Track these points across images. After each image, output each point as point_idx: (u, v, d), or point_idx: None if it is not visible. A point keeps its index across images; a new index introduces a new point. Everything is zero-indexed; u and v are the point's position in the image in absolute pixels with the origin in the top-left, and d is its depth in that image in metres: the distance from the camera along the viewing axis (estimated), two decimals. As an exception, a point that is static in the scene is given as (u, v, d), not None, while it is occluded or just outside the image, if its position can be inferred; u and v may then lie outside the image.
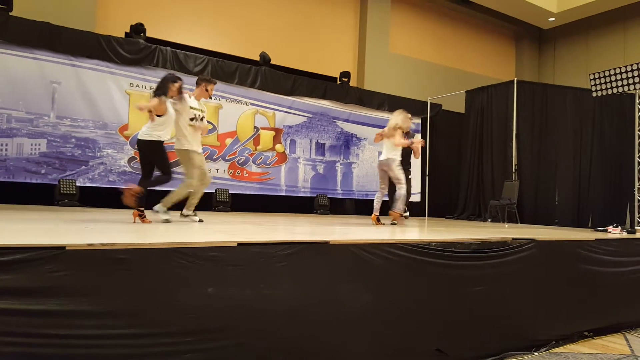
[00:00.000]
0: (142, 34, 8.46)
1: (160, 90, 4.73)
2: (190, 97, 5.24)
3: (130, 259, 2.43)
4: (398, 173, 6.29)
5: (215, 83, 5.60)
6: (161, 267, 2.53)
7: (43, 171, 7.57)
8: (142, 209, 4.67)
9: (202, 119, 5.33)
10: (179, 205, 5.25)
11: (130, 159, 8.28)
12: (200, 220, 5.16)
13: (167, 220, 4.82)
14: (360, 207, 11.03)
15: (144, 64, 8.38)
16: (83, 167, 7.91)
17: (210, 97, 5.66)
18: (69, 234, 3.03)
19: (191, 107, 5.17)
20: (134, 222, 4.56)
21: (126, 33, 8.73)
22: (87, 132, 7.94)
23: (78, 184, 7.71)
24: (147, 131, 4.75)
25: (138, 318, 2.42)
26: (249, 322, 2.75)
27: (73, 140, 7.82)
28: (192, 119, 5.13)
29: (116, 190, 8.04)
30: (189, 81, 8.79)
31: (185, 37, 9.77)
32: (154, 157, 4.82)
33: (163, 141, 4.80)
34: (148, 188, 4.78)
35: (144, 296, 2.46)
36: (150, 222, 4.59)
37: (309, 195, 10.33)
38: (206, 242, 2.74)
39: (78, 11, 8.41)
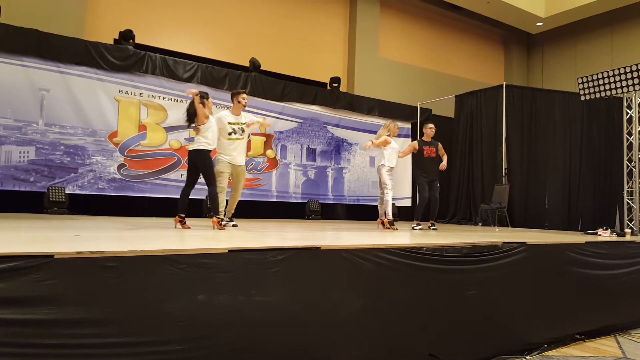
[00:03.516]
0: (131, 41, 8.43)
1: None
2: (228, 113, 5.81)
3: (119, 267, 2.41)
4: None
5: (243, 91, 5.91)
6: (151, 274, 2.51)
7: (32, 179, 7.50)
8: (184, 215, 5.07)
9: (242, 132, 5.80)
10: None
11: (120, 166, 8.22)
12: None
13: (235, 225, 5.64)
14: (352, 212, 11.03)
15: (133, 70, 8.34)
16: (72, 174, 7.84)
17: (245, 106, 5.84)
18: (58, 242, 2.99)
19: (229, 123, 5.66)
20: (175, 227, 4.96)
21: (115, 39, 8.68)
22: (76, 139, 7.88)
23: (67, 192, 7.65)
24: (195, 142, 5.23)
25: (128, 326, 2.40)
26: (241, 329, 2.74)
27: (62, 147, 7.76)
28: (230, 134, 5.68)
29: (106, 198, 8.06)
30: (179, 87, 8.84)
31: (174, 43, 9.75)
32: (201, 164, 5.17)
33: (210, 150, 5.21)
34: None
35: (134, 304, 2.44)
36: (189, 227, 4.97)
37: (300, 201, 10.32)
38: (196, 248, 2.73)
39: (66, 18, 8.37)
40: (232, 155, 5.71)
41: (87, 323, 2.29)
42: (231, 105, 5.95)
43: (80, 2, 8.66)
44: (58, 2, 8.34)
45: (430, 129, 7.22)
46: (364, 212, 10.98)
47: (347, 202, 11.14)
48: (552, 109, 10.29)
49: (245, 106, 5.82)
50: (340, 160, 11.04)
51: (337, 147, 11.00)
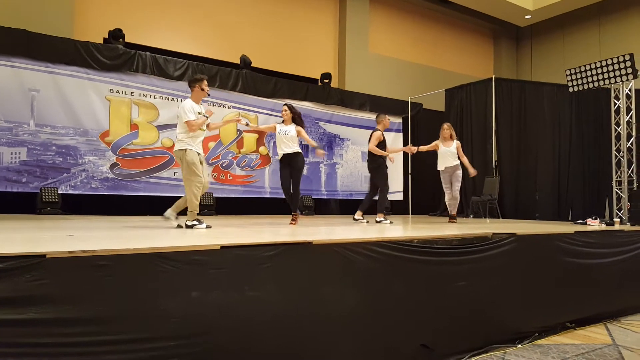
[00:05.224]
0: (120, 40, 8.41)
1: None
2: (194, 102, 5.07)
3: (112, 265, 2.43)
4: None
5: (206, 77, 5.25)
6: (144, 272, 2.53)
7: (24, 180, 7.49)
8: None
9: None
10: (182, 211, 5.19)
11: (112, 165, 8.22)
12: (208, 226, 4.89)
13: (179, 226, 4.83)
14: (345, 207, 11.06)
15: (123, 69, 8.33)
16: (65, 174, 7.84)
17: (208, 94, 5.26)
18: (50, 242, 3.01)
19: (199, 113, 5.02)
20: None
21: (105, 39, 8.66)
22: (67, 139, 7.87)
23: (60, 192, 7.64)
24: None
25: (121, 324, 2.42)
26: (234, 324, 2.77)
27: (54, 147, 7.75)
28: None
29: (99, 197, 8.06)
30: (170, 85, 8.83)
31: (164, 41, 9.72)
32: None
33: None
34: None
35: (127, 302, 2.46)
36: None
37: (293, 197, 10.33)
38: (189, 246, 2.76)
39: (55, 18, 8.33)
40: (198, 149, 5.04)
41: (80, 322, 2.31)
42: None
43: (69, 1, 8.62)
44: (46, 2, 8.29)
45: (387, 120, 7.20)
46: (357, 207, 10.99)
47: (340, 197, 11.18)
48: (541, 101, 10.37)
49: (208, 94, 5.26)
50: (333, 155, 11.07)
51: (330, 143, 11.02)
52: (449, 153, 7.42)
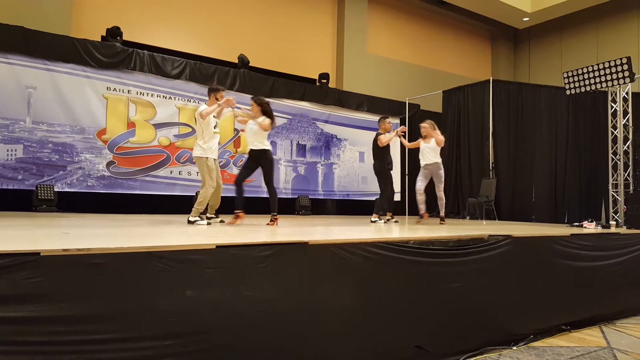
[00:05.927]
0: (118, 38, 8.39)
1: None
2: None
3: (107, 264, 2.41)
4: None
5: (223, 89, 5.86)
6: (139, 271, 2.52)
7: (20, 177, 7.47)
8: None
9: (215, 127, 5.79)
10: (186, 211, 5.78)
11: (109, 163, 8.20)
12: (209, 223, 5.55)
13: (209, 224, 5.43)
14: (342, 208, 11.07)
15: (120, 67, 8.32)
16: (61, 172, 7.82)
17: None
18: (45, 240, 3.00)
19: (214, 116, 5.59)
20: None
21: (102, 37, 8.64)
22: (64, 137, 7.85)
23: (56, 189, 7.62)
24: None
25: (116, 323, 2.40)
26: (230, 324, 2.75)
27: (50, 145, 7.73)
28: (215, 126, 5.63)
29: (95, 195, 8.03)
30: (168, 84, 8.81)
31: (162, 40, 9.70)
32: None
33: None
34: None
35: (122, 300, 2.45)
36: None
37: (290, 197, 10.33)
38: (184, 245, 2.74)
39: (53, 15, 8.31)
40: (213, 151, 5.67)
41: (74, 320, 2.29)
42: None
43: (67, -2, 8.61)
44: (44, -1, 8.28)
45: (388, 123, 7.38)
46: (354, 207, 11.02)
47: (337, 198, 11.18)
48: (538, 103, 10.39)
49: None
50: (330, 155, 11.07)
51: (327, 143, 11.02)
52: (427, 149, 7.46)
